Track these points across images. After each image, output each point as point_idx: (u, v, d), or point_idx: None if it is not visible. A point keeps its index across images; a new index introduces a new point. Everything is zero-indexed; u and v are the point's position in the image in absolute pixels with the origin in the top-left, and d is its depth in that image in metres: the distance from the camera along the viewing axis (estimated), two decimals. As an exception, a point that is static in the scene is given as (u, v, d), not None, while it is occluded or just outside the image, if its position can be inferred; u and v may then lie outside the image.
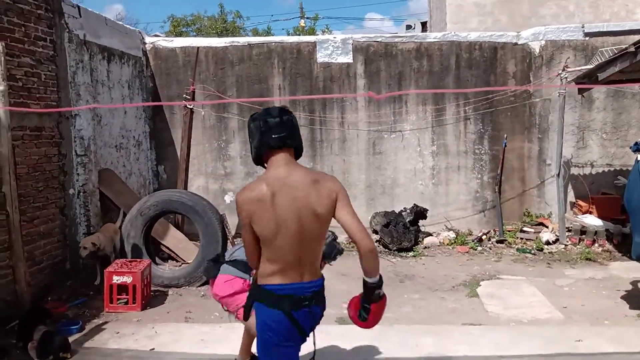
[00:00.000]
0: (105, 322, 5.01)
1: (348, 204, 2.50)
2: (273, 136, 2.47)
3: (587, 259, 7.08)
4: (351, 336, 4.67)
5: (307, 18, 25.78)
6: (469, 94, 8.29)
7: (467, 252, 7.62)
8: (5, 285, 5.03)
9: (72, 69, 6.36)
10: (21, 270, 4.81)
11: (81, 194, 6.44)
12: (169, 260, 6.86)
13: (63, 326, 4.73)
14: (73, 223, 6.31)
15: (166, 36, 11.98)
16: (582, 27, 8.12)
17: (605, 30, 8.05)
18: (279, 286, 2.50)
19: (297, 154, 2.59)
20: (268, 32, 25.53)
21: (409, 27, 14.35)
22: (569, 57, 7.91)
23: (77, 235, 6.35)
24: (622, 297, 5.60)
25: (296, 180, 2.45)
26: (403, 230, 7.65)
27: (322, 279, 2.67)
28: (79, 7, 6.53)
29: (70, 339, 4.53)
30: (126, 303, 5.31)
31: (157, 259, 6.51)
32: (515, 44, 8.29)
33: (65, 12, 6.24)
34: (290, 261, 2.48)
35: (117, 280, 5.28)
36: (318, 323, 2.66)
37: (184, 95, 7.77)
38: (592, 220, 7.62)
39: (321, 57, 8.35)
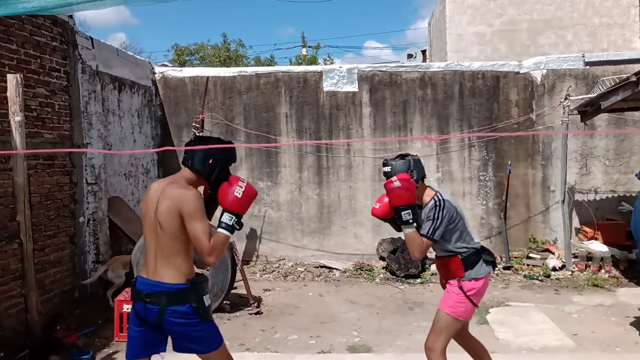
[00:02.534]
0: (116, 352, 5.00)
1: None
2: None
3: (594, 285, 7.09)
4: (363, 364, 4.68)
5: (309, 47, 26.20)
6: (472, 122, 8.40)
7: (474, 279, 7.61)
8: (17, 314, 5.05)
9: (85, 99, 6.47)
10: (33, 299, 4.82)
11: (91, 222, 6.49)
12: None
13: (74, 356, 4.72)
14: (82, 251, 6.34)
15: (172, 65, 12.16)
16: (583, 56, 8.29)
17: (605, 59, 8.21)
18: None
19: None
20: (271, 61, 25.91)
21: (410, 55, 14.58)
22: (570, 86, 8.05)
23: (85, 264, 6.37)
24: (632, 324, 5.60)
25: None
26: (410, 257, 7.64)
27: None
28: (92, 39, 6.68)
29: (82, 368, 4.54)
30: (137, 332, 5.29)
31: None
32: (517, 73, 8.44)
33: (79, 44, 6.38)
34: None
35: (127, 309, 5.27)
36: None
37: (193, 124, 7.88)
38: (598, 247, 7.65)
39: (327, 86, 8.49)
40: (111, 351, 5.02)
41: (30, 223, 4.90)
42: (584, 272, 7.59)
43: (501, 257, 8.23)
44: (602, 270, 7.54)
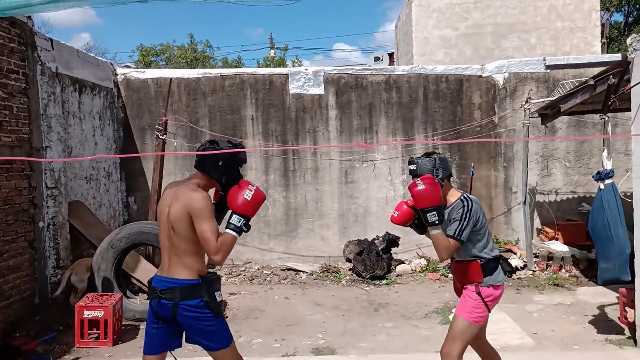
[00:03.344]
0: (77, 358, 4.91)
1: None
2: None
3: (555, 285, 7.26)
4: (327, 367, 4.70)
5: (277, 48, 26.14)
6: (436, 124, 8.52)
7: (438, 279, 7.72)
8: (-28, 322, 4.89)
9: (44, 101, 6.32)
10: (-11, 306, 4.68)
11: (51, 226, 6.33)
12: (140, 294, 6.76)
13: (32, 363, 4.61)
14: (42, 257, 6.18)
15: (136, 66, 11.97)
16: (544, 60, 8.49)
17: (565, 63, 8.44)
18: None
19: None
20: (238, 62, 25.76)
21: (377, 58, 14.69)
22: (531, 89, 8.23)
23: (46, 269, 6.21)
24: (590, 322, 5.76)
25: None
26: (376, 258, 7.72)
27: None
28: (51, 40, 6.53)
29: (40, 377, 4.43)
30: (97, 338, 5.20)
31: (128, 292, 6.40)
32: (480, 76, 8.60)
33: (38, 45, 6.23)
34: None
35: (88, 315, 5.18)
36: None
37: (157, 126, 7.77)
38: (559, 247, 7.84)
39: (293, 88, 8.49)
40: (72, 357, 4.93)
41: (-15, 229, 4.76)
42: (545, 272, 7.77)
43: (465, 258, 8.34)
44: (563, 270, 7.73)
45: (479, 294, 3.34)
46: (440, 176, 3.34)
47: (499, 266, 3.43)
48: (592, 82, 5.55)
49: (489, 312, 3.41)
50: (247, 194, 2.86)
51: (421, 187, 3.19)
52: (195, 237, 2.85)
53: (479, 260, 3.37)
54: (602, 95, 5.50)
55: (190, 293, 2.87)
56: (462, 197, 3.38)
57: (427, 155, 3.42)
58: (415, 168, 3.39)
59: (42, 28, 6.50)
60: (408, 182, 8.50)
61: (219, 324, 2.96)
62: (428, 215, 3.19)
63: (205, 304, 2.87)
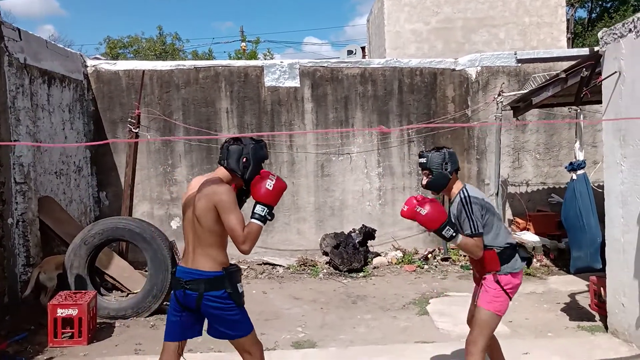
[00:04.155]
0: (50, 358, 4.77)
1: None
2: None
3: (527, 274, 7.38)
4: (308, 360, 4.68)
5: (249, 41, 25.91)
6: (411, 117, 8.58)
7: (414, 271, 7.79)
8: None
9: (12, 93, 6.10)
10: (-43, 306, 4.51)
11: (20, 223, 6.13)
12: (114, 291, 6.62)
13: (4, 364, 4.48)
14: (12, 254, 5.99)
15: (104, 58, 11.69)
16: (515, 54, 8.63)
17: (536, 57, 8.59)
18: None
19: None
20: (209, 55, 25.43)
21: (350, 52, 14.70)
22: (503, 82, 8.36)
23: (15, 267, 6.03)
24: (562, 310, 5.90)
25: None
26: (353, 251, 7.74)
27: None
28: (19, 30, 6.30)
29: (13, 378, 4.30)
30: (71, 337, 5.07)
31: (102, 290, 6.27)
32: (454, 69, 8.68)
33: (5, 35, 6.00)
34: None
35: (61, 314, 5.04)
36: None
37: (129, 119, 7.60)
38: (530, 237, 8.00)
39: (269, 81, 8.42)
40: (45, 357, 4.80)
41: (-49, 226, 4.58)
42: (518, 262, 7.90)
43: (439, 249, 8.47)
44: (534, 260, 7.89)
45: (497, 282, 3.38)
46: (449, 169, 3.42)
47: (516, 254, 3.46)
48: (563, 75, 5.65)
49: (510, 300, 3.43)
50: (269, 184, 2.98)
51: (423, 212, 3.29)
52: (220, 230, 2.99)
53: (495, 249, 3.39)
54: (573, 88, 5.61)
55: (214, 284, 2.99)
56: (460, 191, 3.42)
57: (437, 149, 3.49)
58: (425, 161, 3.45)
59: (4, 18, 6.22)
60: (384, 174, 8.57)
61: (241, 314, 3.08)
62: (442, 233, 3.29)
63: (228, 295, 3.00)
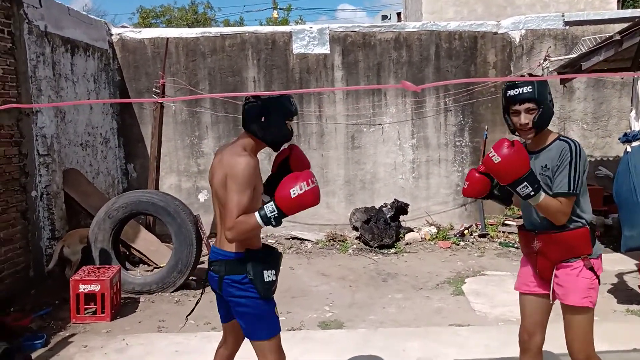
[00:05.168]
0: (72, 335, 4.67)
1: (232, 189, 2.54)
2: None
3: (570, 252, 6.98)
4: (334, 342, 4.45)
5: (280, 9, 25.42)
6: (448, 85, 8.12)
7: (449, 248, 7.46)
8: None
9: (33, 62, 5.95)
10: (-23, 281, 4.44)
11: (44, 196, 6.05)
12: (140, 265, 6.53)
13: (26, 341, 4.38)
14: (36, 228, 5.92)
15: (134, 27, 11.53)
16: (562, 15, 8.02)
17: (585, 19, 7.97)
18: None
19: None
20: (240, 24, 25.13)
21: (384, 17, 14.16)
22: (550, 47, 7.80)
23: (40, 241, 5.97)
24: (609, 291, 5.49)
25: None
26: (384, 227, 7.44)
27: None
28: (38, -4, 6.12)
29: (34, 354, 4.20)
30: (94, 313, 4.97)
31: (127, 264, 6.16)
32: (495, 33, 8.13)
33: (25, 2, 5.81)
34: None
35: (84, 289, 4.93)
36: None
37: (154, 89, 7.40)
38: (574, 212, 7.52)
39: (297, 48, 8.06)
40: (68, 334, 4.69)
41: (-30, 199, 4.48)
42: (561, 239, 7.47)
43: (477, 225, 8.09)
44: (579, 236, 7.44)
45: (591, 269, 2.64)
46: (550, 99, 2.61)
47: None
48: (618, 38, 5.15)
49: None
50: (295, 191, 2.43)
51: (497, 159, 2.51)
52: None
53: (587, 226, 2.65)
54: (628, 52, 5.12)
55: (234, 267, 2.60)
56: (568, 140, 2.63)
57: (532, 76, 2.72)
58: (532, 90, 2.55)
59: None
60: (418, 146, 8.17)
61: (265, 309, 2.62)
62: (518, 189, 2.52)
63: (249, 281, 2.57)
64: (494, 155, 2.52)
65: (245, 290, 2.58)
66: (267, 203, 2.48)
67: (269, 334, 2.64)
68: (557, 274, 2.71)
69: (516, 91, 2.58)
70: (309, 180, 2.47)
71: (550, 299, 2.76)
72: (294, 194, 2.42)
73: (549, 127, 2.69)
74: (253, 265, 2.59)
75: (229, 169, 2.50)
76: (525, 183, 2.50)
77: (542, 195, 2.55)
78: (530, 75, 2.74)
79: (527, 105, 2.57)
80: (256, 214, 2.46)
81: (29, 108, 5.85)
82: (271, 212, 2.44)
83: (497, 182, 2.74)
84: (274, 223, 2.46)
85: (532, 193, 2.51)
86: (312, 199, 2.47)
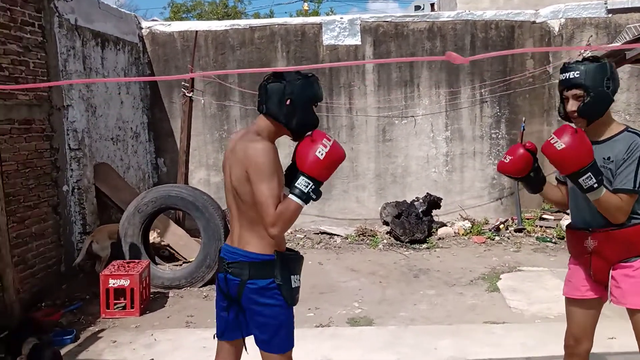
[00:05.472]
0: (102, 330, 4.68)
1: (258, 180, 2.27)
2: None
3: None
4: (363, 339, 4.35)
5: (311, 1, 25.26)
6: (484, 76, 7.86)
7: (483, 243, 7.24)
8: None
9: (63, 56, 5.97)
10: (9, 277, 4.45)
11: (75, 190, 6.09)
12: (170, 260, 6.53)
13: (56, 336, 4.39)
14: (68, 222, 5.97)
15: (164, 21, 11.58)
16: (605, 3, 7.66)
17: (630, 6, 7.58)
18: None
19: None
20: (270, 16, 25.06)
21: (417, 7, 13.87)
22: (591, 36, 7.48)
23: (72, 235, 6.01)
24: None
25: None
26: (415, 221, 7.27)
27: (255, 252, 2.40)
28: (69, -10, 6.13)
29: (64, 350, 4.20)
30: (124, 308, 4.97)
31: (156, 258, 6.16)
32: (534, 22, 7.83)
33: (55, -5, 5.84)
34: None
35: (113, 284, 4.93)
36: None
37: (183, 83, 7.38)
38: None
39: (327, 39, 7.91)
40: (97, 329, 4.70)
41: (2, 194, 4.50)
42: (601, 234, 7.18)
43: (513, 219, 7.84)
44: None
45: None
46: (611, 88, 2.39)
47: None
48: (668, 23, 4.83)
49: None
50: (321, 151, 2.22)
51: (560, 145, 2.32)
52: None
53: None
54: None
55: (260, 270, 2.32)
56: (635, 132, 2.42)
57: (595, 59, 2.41)
58: (578, 75, 2.37)
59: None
60: (452, 139, 7.95)
61: (286, 318, 2.39)
62: (581, 180, 2.32)
63: (277, 286, 2.32)
64: (557, 141, 2.32)
65: (270, 297, 2.34)
66: (296, 180, 2.24)
67: (287, 346, 2.43)
68: (614, 275, 2.51)
69: (564, 75, 2.42)
70: (324, 137, 2.28)
71: (608, 300, 2.58)
72: (322, 154, 2.22)
73: (614, 118, 2.53)
74: (282, 269, 2.34)
75: (247, 161, 2.25)
76: (590, 174, 2.29)
77: (604, 189, 2.34)
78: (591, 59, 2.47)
79: (574, 91, 2.40)
80: (291, 196, 2.22)
81: (60, 102, 5.88)
82: (306, 186, 2.22)
83: (537, 165, 2.62)
84: (314, 197, 2.25)
85: (596, 185, 2.30)
86: (341, 152, 2.30)
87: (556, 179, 2.88)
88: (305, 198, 2.23)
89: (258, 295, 2.33)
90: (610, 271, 2.52)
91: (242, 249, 2.37)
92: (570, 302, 2.74)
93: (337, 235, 7.66)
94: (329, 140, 2.27)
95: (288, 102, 2.31)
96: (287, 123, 2.35)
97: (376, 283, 5.81)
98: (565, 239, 7.08)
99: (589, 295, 2.64)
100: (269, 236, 2.24)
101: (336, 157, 2.26)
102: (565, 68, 2.44)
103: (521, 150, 2.61)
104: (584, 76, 2.35)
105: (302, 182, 2.22)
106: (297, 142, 2.40)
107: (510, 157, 2.64)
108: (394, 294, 5.43)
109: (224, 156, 2.49)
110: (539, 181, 2.70)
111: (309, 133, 2.38)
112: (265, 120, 2.38)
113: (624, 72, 7.52)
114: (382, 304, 5.16)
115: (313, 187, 2.23)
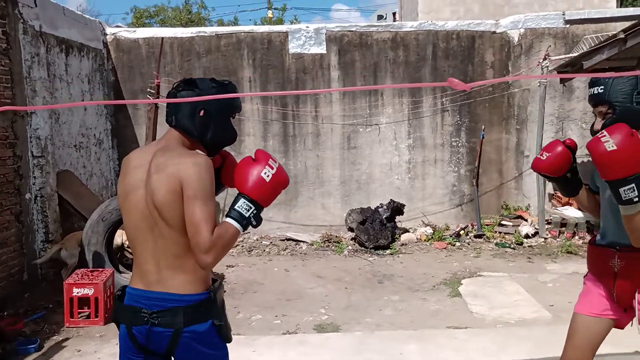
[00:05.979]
0: (66, 339, 4.62)
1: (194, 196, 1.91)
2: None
3: (568, 252, 6.96)
4: (331, 345, 4.41)
5: (275, 9, 25.33)
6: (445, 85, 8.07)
7: (445, 248, 7.42)
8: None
9: (28, 63, 5.87)
10: (-31, 286, 4.37)
11: (38, 198, 5.99)
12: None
13: (19, 345, 4.33)
14: (30, 230, 5.86)
15: (128, 27, 11.45)
16: (563, 14, 7.97)
17: (587, 17, 7.91)
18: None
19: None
20: (235, 23, 25.06)
21: (380, 17, 14.13)
22: (549, 46, 7.76)
23: (34, 244, 5.90)
24: None
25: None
26: (380, 227, 7.40)
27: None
28: (33, -4, 6.05)
29: (28, 359, 4.16)
30: (88, 317, 4.92)
31: (120, 267, 6.10)
32: (494, 32, 8.09)
33: (20, 1, 5.73)
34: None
35: (77, 293, 4.87)
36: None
37: (148, 90, 7.34)
38: (572, 212, 7.51)
39: (293, 47, 8.00)
40: (61, 338, 4.64)
41: (-38, 202, 4.41)
42: (557, 239, 7.46)
43: (472, 225, 8.05)
44: (576, 237, 7.43)
45: None
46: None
47: None
48: (622, 36, 5.11)
49: None
50: (267, 172, 1.95)
51: (611, 146, 2.00)
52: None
53: None
54: (631, 51, 5.08)
55: (197, 314, 1.96)
56: None
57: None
58: (602, 91, 2.16)
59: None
60: (414, 146, 8.13)
61: (225, 356, 2.09)
62: (622, 190, 2.03)
63: (215, 329, 2.00)
64: (608, 140, 2.01)
65: (208, 343, 2.00)
66: (236, 202, 1.94)
67: None
68: None
69: (590, 91, 2.24)
70: (269, 159, 2.00)
71: (631, 324, 2.44)
72: (268, 177, 1.94)
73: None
74: (217, 307, 2.03)
75: (184, 174, 1.89)
76: (633, 185, 2.02)
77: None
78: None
79: (599, 108, 2.22)
80: (229, 220, 1.91)
81: (24, 109, 5.78)
82: (248, 210, 1.91)
83: (575, 166, 2.39)
84: (254, 223, 1.95)
85: (637, 199, 2.04)
86: (287, 177, 2.03)
87: (584, 184, 2.63)
88: (245, 223, 1.92)
89: (200, 344, 1.98)
90: (637, 294, 2.35)
91: (169, 292, 1.97)
92: (581, 320, 2.52)
93: (303, 241, 7.73)
94: (275, 163, 2.01)
95: (202, 113, 2.01)
96: (200, 137, 2.05)
97: (342, 289, 5.89)
98: (522, 245, 7.25)
99: (606, 315, 2.45)
100: (200, 266, 1.90)
101: (282, 181, 2.00)
102: (591, 83, 2.25)
103: (560, 148, 2.38)
104: (608, 91, 2.16)
105: (242, 205, 1.92)
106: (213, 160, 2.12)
107: (547, 154, 2.40)
108: (359, 300, 5.52)
109: (126, 177, 2.04)
110: (575, 183, 2.50)
111: (227, 149, 2.18)
112: (175, 133, 2.06)
113: (580, 81, 7.85)
114: (348, 310, 5.23)
115: (255, 211, 1.94)
